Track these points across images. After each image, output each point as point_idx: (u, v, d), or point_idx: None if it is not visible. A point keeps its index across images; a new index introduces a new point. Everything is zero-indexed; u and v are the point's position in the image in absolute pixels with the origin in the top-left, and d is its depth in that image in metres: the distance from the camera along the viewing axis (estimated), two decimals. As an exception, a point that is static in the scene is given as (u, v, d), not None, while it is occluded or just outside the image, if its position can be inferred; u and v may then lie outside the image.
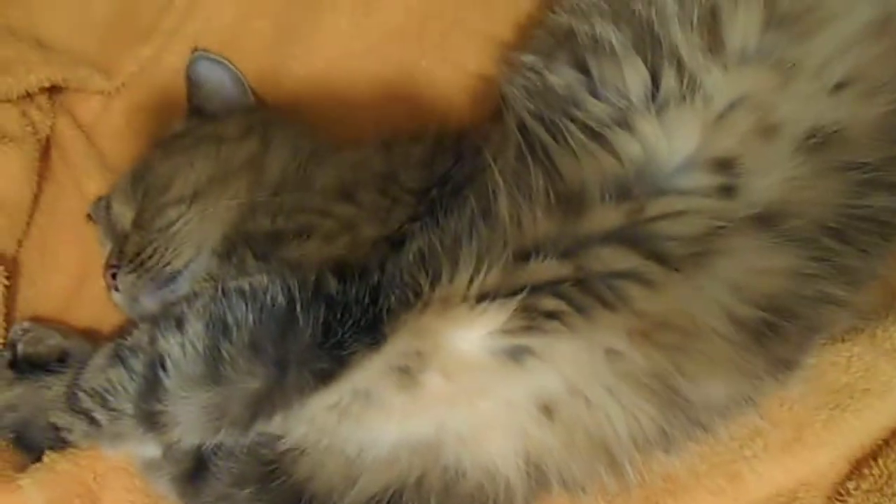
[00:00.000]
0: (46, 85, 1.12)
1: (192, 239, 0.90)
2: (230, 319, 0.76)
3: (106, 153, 1.18)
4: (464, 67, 1.16)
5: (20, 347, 0.96)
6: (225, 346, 0.75)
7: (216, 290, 0.79)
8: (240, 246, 0.85)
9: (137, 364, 0.78)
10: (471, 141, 0.92)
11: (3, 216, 1.02)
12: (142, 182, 0.95)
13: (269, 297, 0.76)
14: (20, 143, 1.07)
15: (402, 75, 1.17)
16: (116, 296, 0.93)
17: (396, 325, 0.76)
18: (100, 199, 1.11)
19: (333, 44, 1.18)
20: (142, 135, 1.20)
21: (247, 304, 0.76)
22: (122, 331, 1.01)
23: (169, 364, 0.76)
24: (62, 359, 0.95)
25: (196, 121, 1.02)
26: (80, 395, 0.81)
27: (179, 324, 0.78)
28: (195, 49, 1.09)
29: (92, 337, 1.06)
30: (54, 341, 0.96)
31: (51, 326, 1.00)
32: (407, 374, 0.77)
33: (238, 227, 0.88)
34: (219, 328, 0.76)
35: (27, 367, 0.94)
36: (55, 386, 0.86)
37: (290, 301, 0.76)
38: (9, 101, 1.10)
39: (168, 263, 0.90)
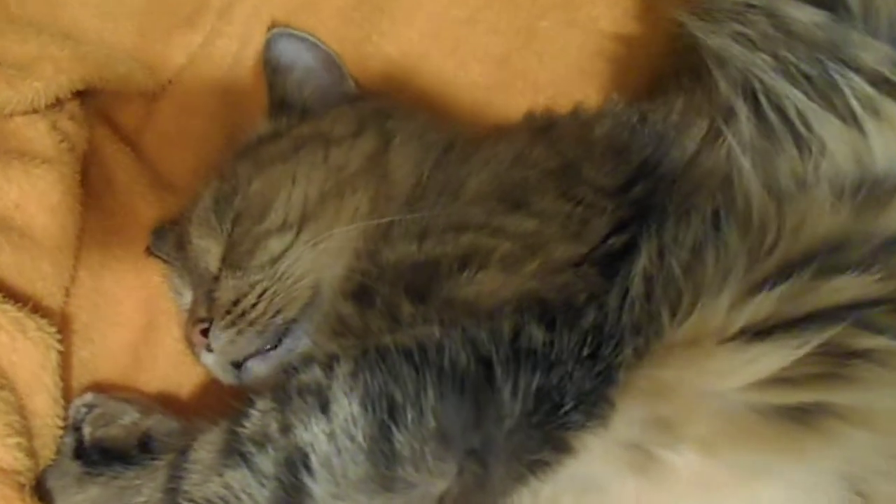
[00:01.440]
0: (79, 87, 0.90)
1: (307, 277, 0.68)
2: (398, 395, 0.53)
3: (158, 168, 0.96)
4: (595, 26, 0.93)
5: (86, 430, 0.74)
6: (397, 435, 0.52)
7: (365, 349, 0.57)
8: (381, 284, 0.62)
9: (268, 463, 0.56)
10: (661, 115, 0.69)
11: (47, 261, 0.79)
12: (228, 206, 0.72)
13: (448, 359, 0.54)
14: (56, 165, 0.83)
15: (517, 44, 0.95)
16: (209, 358, 0.71)
17: (629, 384, 0.54)
18: (161, 227, 0.89)
19: (427, 12, 0.95)
20: (200, 142, 0.98)
21: (418, 371, 0.54)
22: (217, 403, 0.81)
23: (315, 463, 0.54)
24: (144, 442, 0.73)
25: (286, 119, 0.79)
26: (188, 507, 0.59)
27: (323, 403, 0.55)
28: (272, 26, 0.85)
29: (167, 405, 0.85)
30: (130, 419, 0.74)
31: (119, 397, 0.78)
32: (643, 451, 0.55)
33: (371, 257, 0.65)
34: (383, 408, 0.53)
35: (98, 455, 0.73)
36: (146, 488, 0.64)
37: (482, 363, 0.53)
38: (35, 111, 0.87)
39: (278, 311, 0.68)
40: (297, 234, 0.68)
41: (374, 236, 0.67)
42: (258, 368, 0.69)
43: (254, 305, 0.67)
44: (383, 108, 0.78)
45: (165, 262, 0.90)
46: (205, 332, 0.69)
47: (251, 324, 0.67)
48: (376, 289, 0.62)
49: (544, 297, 0.56)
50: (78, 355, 0.82)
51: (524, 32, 0.94)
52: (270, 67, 0.82)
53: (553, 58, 0.93)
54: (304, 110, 0.80)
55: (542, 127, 0.72)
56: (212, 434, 0.62)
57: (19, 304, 0.71)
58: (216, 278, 0.72)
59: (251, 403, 0.61)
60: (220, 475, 0.58)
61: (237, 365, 0.70)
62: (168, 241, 0.88)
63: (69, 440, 0.74)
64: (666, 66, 0.85)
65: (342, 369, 0.57)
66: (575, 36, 0.93)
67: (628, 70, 0.91)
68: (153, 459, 0.68)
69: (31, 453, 0.68)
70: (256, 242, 0.69)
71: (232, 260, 0.70)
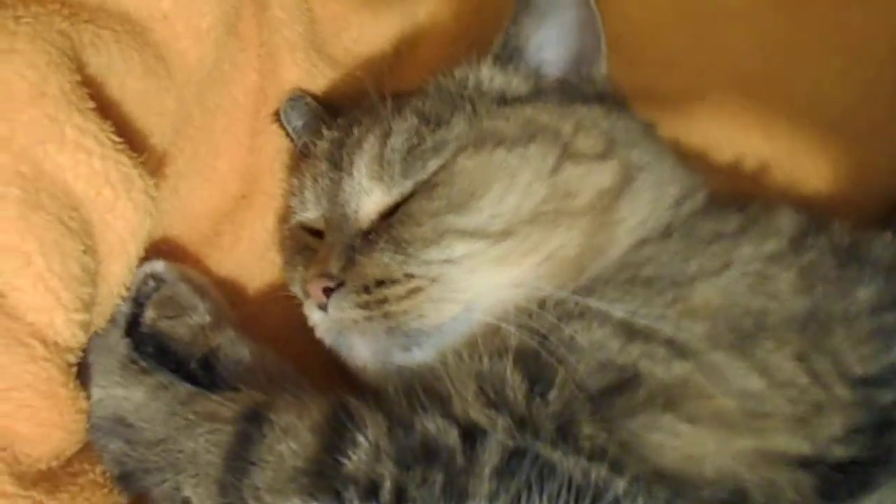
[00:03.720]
0: None
1: (468, 293, 0.57)
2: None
3: (319, 17, 0.79)
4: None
5: (149, 314, 0.63)
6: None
7: (524, 450, 0.48)
8: (565, 369, 0.51)
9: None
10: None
11: (173, 95, 0.64)
12: (422, 165, 0.59)
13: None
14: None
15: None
16: (317, 316, 0.61)
17: None
18: (301, 97, 0.75)
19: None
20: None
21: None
22: (284, 315, 0.70)
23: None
24: (207, 359, 0.63)
25: (514, 78, 0.63)
26: (252, 504, 0.51)
27: (458, 494, 0.46)
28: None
29: (230, 294, 0.74)
30: (199, 320, 0.63)
31: (193, 281, 0.67)
32: None
33: (555, 322, 0.54)
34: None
35: (153, 348, 0.63)
36: (202, 435, 0.55)
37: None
38: None
39: (421, 315, 0.57)
40: (489, 247, 0.56)
41: (564, 290, 0.55)
42: (360, 350, 0.60)
43: (400, 299, 0.56)
44: (634, 131, 0.63)
45: (291, 139, 0.77)
46: (328, 292, 0.58)
47: (386, 316, 0.56)
48: (556, 372, 0.51)
49: (748, 492, 0.47)
50: (159, 204, 0.70)
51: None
52: (524, 3, 0.64)
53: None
54: (537, 76, 0.64)
55: (796, 234, 0.60)
56: (300, 429, 0.53)
57: (134, 157, 0.58)
58: (366, 236, 0.60)
59: (359, 424, 0.52)
60: (302, 496, 0.49)
61: (342, 335, 0.60)
62: (305, 118, 0.74)
63: (125, 310, 0.63)
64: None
65: (488, 458, 0.47)
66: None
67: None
68: (213, 391, 0.60)
69: (88, 329, 0.58)
70: (440, 234, 0.57)
71: (398, 233, 0.58)
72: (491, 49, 0.66)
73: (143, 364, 0.61)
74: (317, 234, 0.66)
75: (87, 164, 0.54)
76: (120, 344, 0.62)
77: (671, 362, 0.51)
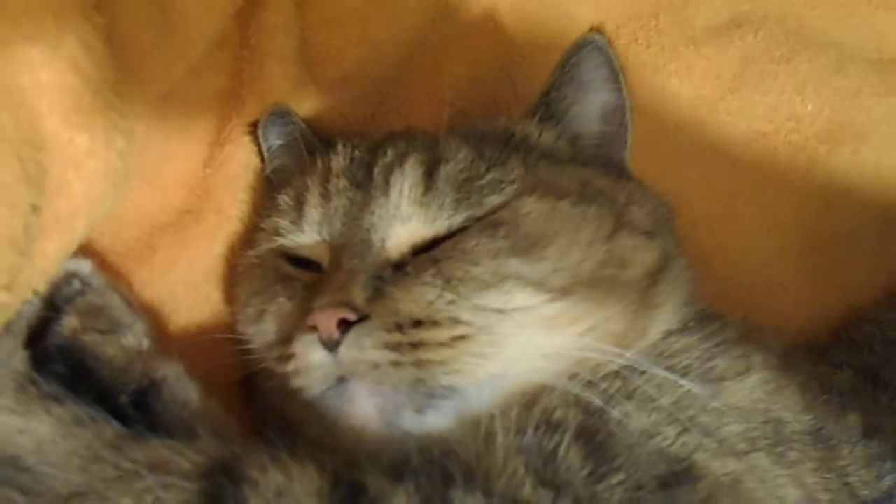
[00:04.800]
0: None
1: (512, 349, 0.48)
2: None
3: (315, 36, 0.70)
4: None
5: (68, 322, 0.46)
6: None
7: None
8: (630, 451, 0.44)
9: None
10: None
11: (158, 57, 0.52)
12: (478, 200, 0.51)
13: None
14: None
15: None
16: (318, 356, 0.47)
17: None
18: (286, 111, 0.64)
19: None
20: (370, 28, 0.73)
21: None
22: (207, 363, 0.56)
23: None
24: (142, 394, 0.47)
25: (555, 138, 0.59)
26: None
27: None
28: (595, 29, 0.63)
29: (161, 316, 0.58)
30: (134, 341, 0.48)
31: (122, 291, 0.52)
32: None
33: (600, 379, 0.48)
34: None
35: (66, 367, 0.46)
36: (149, 495, 0.38)
37: None
38: None
39: (457, 370, 0.47)
40: (545, 304, 0.49)
41: (606, 368, 0.49)
42: (363, 406, 0.47)
43: (439, 346, 0.46)
44: (668, 219, 0.61)
45: (261, 158, 0.65)
46: (344, 327, 0.46)
47: (417, 364, 0.46)
48: (616, 455, 0.44)
49: None
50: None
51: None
52: (569, 74, 0.61)
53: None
54: (574, 144, 0.60)
55: (782, 352, 0.58)
56: (298, 493, 0.40)
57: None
58: (397, 268, 0.50)
59: (380, 495, 0.40)
60: None
61: (343, 385, 0.48)
62: (287, 139, 0.63)
63: (30, 313, 0.46)
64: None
65: None
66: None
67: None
68: (151, 433, 0.44)
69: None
70: (501, 278, 0.48)
71: (448, 269, 0.48)
72: (532, 108, 0.61)
73: (48, 388, 0.44)
74: (305, 264, 0.55)
75: (75, 95, 0.40)
76: (16, 357, 0.45)
77: (726, 458, 0.46)
